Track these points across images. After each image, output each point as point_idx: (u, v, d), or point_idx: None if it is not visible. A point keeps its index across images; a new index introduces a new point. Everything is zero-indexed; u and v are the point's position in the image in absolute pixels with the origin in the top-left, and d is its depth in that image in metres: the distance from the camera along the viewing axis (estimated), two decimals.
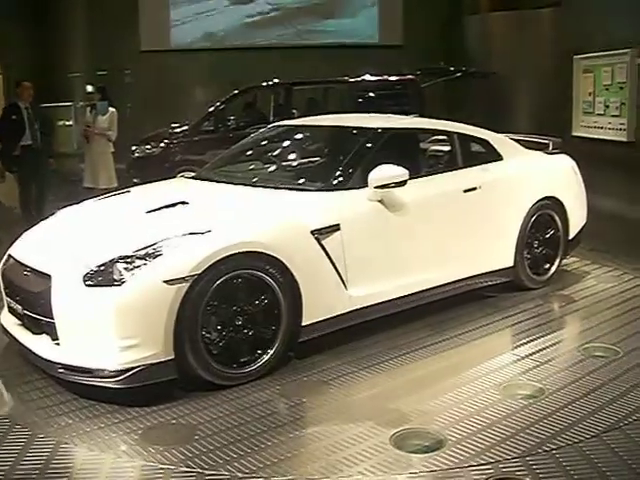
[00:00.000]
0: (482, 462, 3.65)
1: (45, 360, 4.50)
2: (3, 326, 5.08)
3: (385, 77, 12.39)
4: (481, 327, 5.62)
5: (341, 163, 5.46)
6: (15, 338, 4.88)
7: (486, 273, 6.14)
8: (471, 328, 5.58)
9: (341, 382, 4.66)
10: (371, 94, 12.17)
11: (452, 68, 12.83)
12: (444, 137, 6.25)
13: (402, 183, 5.24)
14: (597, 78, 11.02)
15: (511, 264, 6.29)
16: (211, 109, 12.08)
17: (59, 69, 15.14)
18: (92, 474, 3.65)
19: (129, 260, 4.36)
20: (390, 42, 16.49)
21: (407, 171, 5.23)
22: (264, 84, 12.16)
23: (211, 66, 15.56)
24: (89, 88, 11.52)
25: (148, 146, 11.92)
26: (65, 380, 4.47)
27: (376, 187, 5.23)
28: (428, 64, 13.22)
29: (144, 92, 15.26)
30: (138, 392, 4.31)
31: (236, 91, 12.15)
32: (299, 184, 5.46)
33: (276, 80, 12.08)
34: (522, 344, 5.27)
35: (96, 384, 4.31)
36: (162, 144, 11.83)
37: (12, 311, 4.96)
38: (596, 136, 10.89)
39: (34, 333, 4.71)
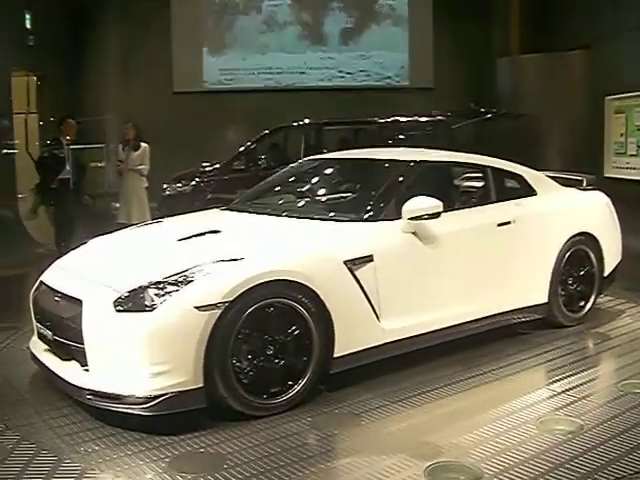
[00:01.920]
0: None
1: (73, 386, 4.43)
2: (32, 353, 5.03)
3: (415, 118, 12.36)
4: (515, 363, 5.47)
5: (374, 195, 5.40)
6: (44, 365, 4.83)
7: (520, 309, 6.01)
8: (505, 364, 5.44)
9: (373, 415, 4.54)
10: (401, 135, 12.14)
11: (482, 110, 12.79)
12: (477, 171, 6.16)
13: (436, 215, 5.15)
14: (629, 119, 10.95)
15: (545, 300, 6.16)
16: (242, 149, 12.12)
17: (92, 112, 15.29)
18: None
19: (160, 286, 4.30)
20: (421, 85, 16.50)
21: (441, 203, 5.15)
22: (295, 124, 12.18)
23: (242, 107, 15.66)
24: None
25: (179, 184, 11.96)
26: (93, 407, 4.38)
27: (410, 218, 5.15)
28: (458, 106, 13.20)
29: (176, 132, 15.36)
30: (166, 420, 4.21)
31: (267, 131, 12.18)
32: (332, 215, 5.40)
33: (307, 120, 12.09)
34: (558, 380, 5.12)
35: (124, 411, 4.22)
36: (193, 182, 11.87)
37: (42, 337, 4.91)
38: (628, 177, 10.77)
39: (63, 359, 4.65)
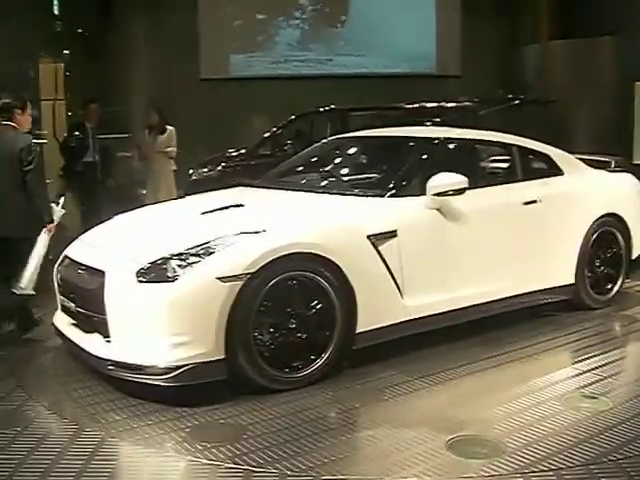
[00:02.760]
0: (543, 469, 3.45)
1: (96, 357, 4.43)
2: (56, 327, 5.04)
3: (442, 104, 12.24)
4: (541, 343, 5.39)
5: (399, 171, 5.35)
6: (67, 338, 4.84)
7: (546, 289, 5.92)
8: (530, 343, 5.36)
9: (395, 390, 4.49)
10: (427, 122, 12.02)
11: (510, 96, 12.64)
12: (504, 150, 6.08)
13: (461, 191, 5.09)
14: None
15: (572, 281, 6.07)
16: (267, 134, 12.08)
17: (119, 98, 15.32)
18: (136, 468, 3.59)
19: (183, 257, 4.29)
20: (448, 72, 16.38)
21: (466, 179, 5.09)
22: (321, 110, 12.11)
23: (268, 94, 15.62)
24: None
25: (205, 169, 11.96)
26: (115, 378, 4.38)
27: (434, 194, 5.09)
28: (486, 93, 13.06)
29: (203, 119, 15.36)
30: (187, 392, 4.20)
31: (293, 117, 12.14)
32: (356, 190, 5.36)
33: (332, 106, 12.02)
34: (584, 359, 5.04)
35: (145, 381, 4.21)
36: (219, 167, 11.85)
37: (65, 309, 4.93)
38: None
39: (86, 332, 4.66)
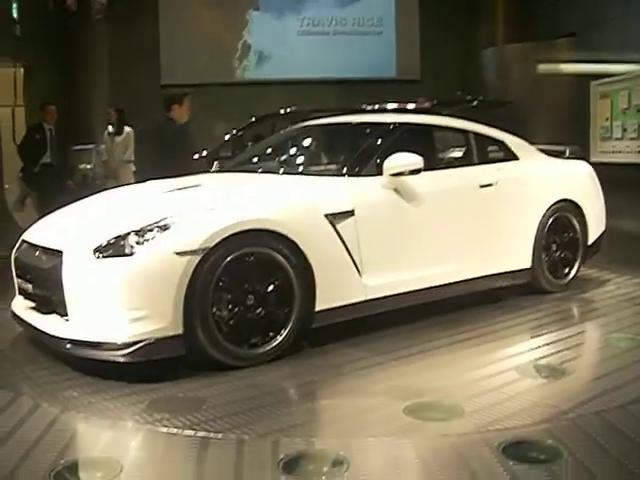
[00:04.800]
0: (500, 428, 3.48)
1: (54, 337, 4.38)
2: (14, 312, 4.98)
3: (403, 105, 12.32)
4: (498, 323, 5.43)
5: (356, 152, 5.40)
6: (25, 321, 4.78)
7: (504, 273, 5.99)
8: (488, 324, 5.39)
9: (354, 365, 4.50)
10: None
11: (469, 97, 12.78)
12: (460, 135, 6.16)
13: (417, 171, 5.15)
14: (614, 103, 10.97)
15: (529, 265, 6.14)
16: (227, 137, 12.09)
17: (80, 103, 15.20)
18: (92, 438, 3.56)
19: (140, 233, 4.27)
20: (407, 77, 16.53)
21: (422, 159, 5.14)
22: (282, 112, 12.15)
23: (229, 99, 15.62)
24: (109, 129, 11.56)
25: None
26: (74, 359, 4.34)
27: (391, 175, 5.13)
28: (445, 94, 13.19)
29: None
30: (146, 368, 4.18)
31: (253, 119, 12.17)
32: (314, 170, 5.40)
33: (294, 108, 12.07)
34: (540, 335, 5.09)
35: (104, 358, 4.18)
36: None
37: (23, 292, 4.88)
38: (614, 160, 10.78)
39: (44, 313, 4.61)
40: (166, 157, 6.85)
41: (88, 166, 16.03)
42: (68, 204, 5.45)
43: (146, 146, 7.69)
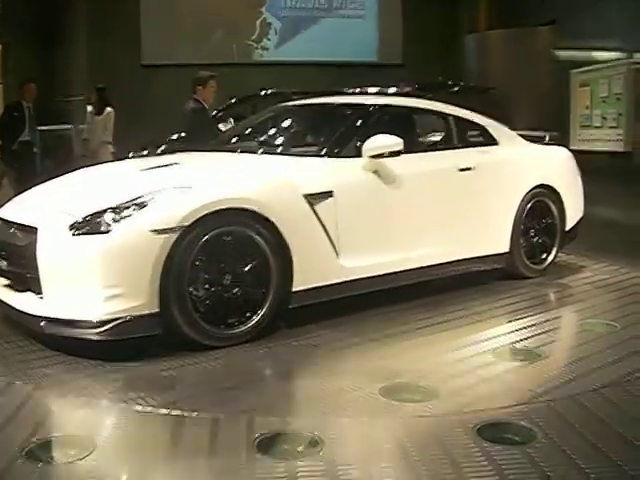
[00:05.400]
0: (476, 410, 3.48)
1: (28, 315, 4.33)
2: None
3: (384, 90, 12.29)
4: (475, 306, 5.41)
5: (335, 133, 5.36)
6: None
7: (481, 257, 5.98)
8: (465, 307, 5.38)
9: (331, 346, 4.49)
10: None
11: (450, 82, 12.76)
12: (440, 118, 6.14)
13: (397, 153, 5.12)
14: (594, 91, 11.00)
15: (506, 250, 6.14)
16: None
17: (59, 92, 15.03)
18: (65, 416, 3.56)
19: (117, 210, 4.21)
20: (389, 61, 16.51)
21: (401, 140, 5.11)
22: (262, 93, 12.07)
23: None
24: (89, 109, 11.46)
25: (145, 152, 11.80)
26: (49, 338, 4.28)
27: (371, 156, 5.10)
28: (426, 80, 13.17)
29: (144, 104, 15.18)
30: (121, 347, 4.14)
31: (233, 100, 12.05)
32: (293, 151, 5.35)
33: (274, 89, 11.99)
34: (517, 319, 5.09)
35: (78, 336, 4.13)
36: (159, 150, 11.71)
37: None
38: (594, 148, 10.82)
39: (18, 291, 4.56)
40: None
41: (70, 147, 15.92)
42: (44, 182, 5.38)
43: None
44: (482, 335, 4.72)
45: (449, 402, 3.58)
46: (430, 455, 2.99)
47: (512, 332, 4.79)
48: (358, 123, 5.49)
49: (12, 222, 4.71)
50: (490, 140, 6.27)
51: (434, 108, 6.18)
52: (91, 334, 4.10)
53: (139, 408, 3.51)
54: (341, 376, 3.94)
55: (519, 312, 5.27)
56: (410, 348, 4.48)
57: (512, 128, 6.78)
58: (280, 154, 5.33)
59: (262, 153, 5.40)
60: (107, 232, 4.11)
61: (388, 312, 5.21)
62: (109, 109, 10.49)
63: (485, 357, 4.26)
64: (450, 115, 6.11)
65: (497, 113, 12.74)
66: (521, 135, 6.82)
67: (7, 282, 4.74)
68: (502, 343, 4.54)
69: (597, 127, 10.94)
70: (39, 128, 10.29)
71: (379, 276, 5.20)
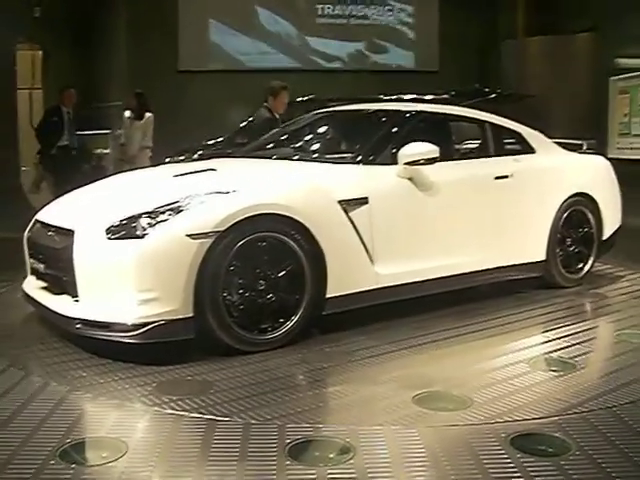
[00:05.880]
0: (509, 419, 3.44)
1: (64, 317, 4.38)
2: (25, 292, 4.98)
3: (420, 97, 12.26)
4: (511, 315, 5.38)
5: (371, 140, 5.36)
6: (36, 301, 4.78)
7: (517, 265, 5.93)
8: (500, 315, 5.35)
9: (364, 353, 4.47)
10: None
11: (487, 89, 12.70)
12: (476, 125, 6.11)
13: (432, 160, 5.11)
14: (633, 99, 10.87)
15: (543, 258, 6.07)
16: (244, 124, 12.06)
17: (98, 98, 15.20)
18: (99, 418, 3.56)
19: (153, 215, 4.25)
20: (426, 68, 16.47)
21: (437, 148, 5.10)
22: (299, 100, 12.10)
23: (247, 86, 15.57)
24: (127, 114, 11.58)
25: (182, 157, 11.89)
26: (84, 341, 4.33)
27: (406, 163, 5.09)
28: (463, 87, 13.11)
29: (180, 110, 15.29)
30: (155, 350, 4.17)
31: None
32: (328, 158, 5.36)
33: (311, 96, 12.03)
34: (553, 329, 5.04)
35: (113, 339, 4.18)
36: (195, 156, 11.79)
37: (34, 272, 4.88)
38: (632, 157, 10.69)
39: (55, 294, 4.61)
40: None
41: (105, 151, 16.10)
42: (82, 186, 5.44)
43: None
44: (517, 344, 4.68)
45: (482, 411, 3.54)
46: (462, 464, 2.97)
47: (547, 342, 4.75)
48: (393, 130, 5.48)
49: (50, 225, 4.78)
50: (527, 148, 6.23)
51: (470, 115, 6.15)
52: (125, 337, 4.14)
53: (171, 412, 3.52)
54: (374, 384, 3.94)
55: (555, 322, 5.22)
56: (444, 356, 4.46)
57: (549, 136, 6.72)
58: (315, 161, 5.34)
59: (297, 160, 5.42)
60: (143, 236, 4.14)
61: (423, 320, 5.19)
62: (149, 114, 10.56)
63: (519, 367, 4.22)
64: (487, 122, 6.08)
65: (534, 121, 12.69)
66: (558, 143, 6.76)
67: (44, 285, 4.80)
68: (537, 353, 4.51)
69: (636, 135, 10.79)
70: (78, 133, 10.42)
71: (414, 283, 5.18)
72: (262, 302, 4.44)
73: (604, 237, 6.60)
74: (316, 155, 5.62)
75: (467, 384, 3.92)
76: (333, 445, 3.16)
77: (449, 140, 6.08)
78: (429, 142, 5.17)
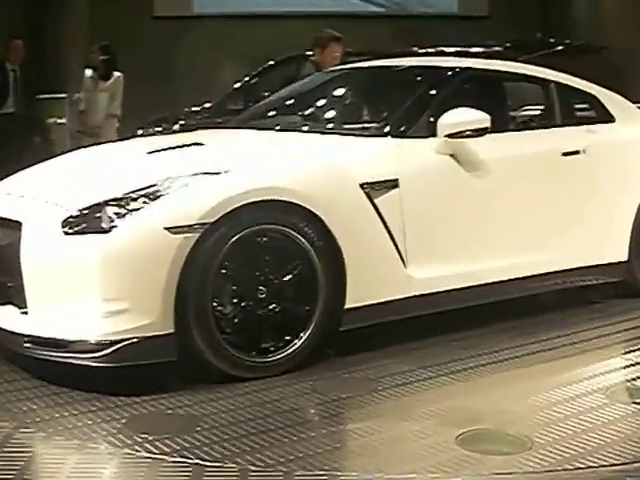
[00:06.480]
0: (581, 466, 3.45)
1: (9, 333, 4.41)
2: None
3: (466, 49, 12.25)
4: (581, 332, 5.40)
5: (402, 105, 5.38)
6: None
7: (591, 267, 5.93)
8: (568, 333, 5.37)
9: (392, 380, 4.49)
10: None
11: (552, 40, 12.69)
12: (538, 86, 6.11)
13: (481, 132, 5.11)
14: None
15: (624, 259, 6.08)
16: (238, 85, 12.08)
17: (55, 37, 15.24)
18: (56, 461, 3.56)
19: (122, 203, 4.28)
20: (472, 12, 16.48)
21: (488, 116, 5.10)
22: (309, 54, 12.10)
23: (241, 37, 15.62)
24: (88, 72, 11.63)
25: (159, 129, 11.93)
26: (35, 361, 4.36)
27: (447, 135, 5.10)
28: (521, 37, 13.11)
29: (156, 66, 15.34)
30: (126, 376, 4.20)
31: (271, 62, 12.13)
32: (347, 128, 5.38)
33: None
34: (637, 349, 5.06)
35: (71, 361, 4.20)
36: (176, 127, 11.83)
37: None
38: None
39: None
40: None
41: (59, 120, 16.15)
42: (33, 165, 5.48)
43: None
44: (590, 370, 4.70)
45: (545, 456, 3.55)
46: None
47: (629, 366, 4.77)
48: (431, 92, 5.50)
49: None
50: (604, 116, 6.23)
51: (531, 73, 6.15)
52: (87, 359, 4.17)
53: (147, 455, 3.54)
54: (406, 420, 3.96)
55: (636, 341, 5.23)
56: (496, 385, 4.49)
57: (633, 100, 6.72)
58: (330, 132, 5.35)
59: (307, 131, 5.44)
60: (109, 230, 4.17)
61: (467, 337, 5.22)
62: (117, 74, 10.62)
63: (593, 398, 4.23)
64: (552, 82, 6.08)
65: (614, 80, 12.66)
66: None
67: None
68: (616, 380, 4.54)
69: None
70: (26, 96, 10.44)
71: (458, 290, 5.20)
72: (263, 314, 4.47)
73: None
74: (331, 125, 5.63)
75: (525, 420, 3.93)
76: None
77: (503, 105, 6.11)
78: (477, 108, 5.18)
